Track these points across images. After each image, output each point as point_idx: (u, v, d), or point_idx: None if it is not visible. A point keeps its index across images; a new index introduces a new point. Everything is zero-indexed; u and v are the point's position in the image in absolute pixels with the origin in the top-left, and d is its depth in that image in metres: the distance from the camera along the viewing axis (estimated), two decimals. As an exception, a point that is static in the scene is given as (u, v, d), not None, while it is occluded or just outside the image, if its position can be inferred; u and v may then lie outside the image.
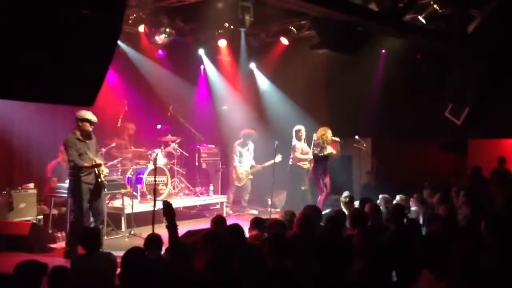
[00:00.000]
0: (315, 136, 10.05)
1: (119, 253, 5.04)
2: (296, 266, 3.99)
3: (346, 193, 7.20)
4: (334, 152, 9.86)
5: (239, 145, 11.21)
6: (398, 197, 7.06)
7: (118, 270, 4.53)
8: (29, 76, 3.49)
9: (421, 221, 6.23)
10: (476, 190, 6.97)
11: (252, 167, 11.26)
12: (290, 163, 10.53)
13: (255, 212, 10.86)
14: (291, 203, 10.56)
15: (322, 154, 9.76)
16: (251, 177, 11.28)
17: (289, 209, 6.39)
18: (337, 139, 9.89)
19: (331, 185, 9.93)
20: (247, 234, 5.16)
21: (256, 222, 5.42)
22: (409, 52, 9.49)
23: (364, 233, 4.48)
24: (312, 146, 10.13)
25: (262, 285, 3.58)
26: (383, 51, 11.71)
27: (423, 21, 7.82)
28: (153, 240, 4.64)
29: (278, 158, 10.67)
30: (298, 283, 3.65)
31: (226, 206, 11.02)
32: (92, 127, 7.36)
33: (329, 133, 9.83)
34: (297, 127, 10.66)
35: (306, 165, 10.35)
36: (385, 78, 11.82)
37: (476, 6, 7.30)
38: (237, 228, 4.77)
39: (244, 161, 11.21)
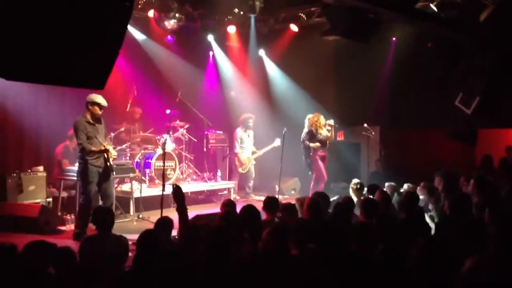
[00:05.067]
0: (306, 123, 10.11)
1: (128, 236, 5.12)
2: (301, 251, 4.01)
3: (355, 180, 7.22)
4: (329, 134, 9.90)
5: (241, 131, 11.20)
6: (405, 186, 7.05)
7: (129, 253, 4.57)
8: (39, 59, 3.50)
9: (430, 207, 6.25)
10: (485, 179, 6.93)
11: (253, 153, 11.26)
12: None
13: (262, 198, 10.87)
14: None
15: (308, 145, 9.83)
16: (253, 162, 11.28)
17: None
18: (331, 122, 9.91)
19: (328, 173, 10.01)
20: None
21: (269, 203, 5.47)
22: (420, 40, 9.43)
23: (382, 220, 4.53)
24: (303, 133, 10.22)
25: (270, 270, 3.61)
26: (394, 39, 11.64)
27: (435, 8, 7.76)
28: (164, 223, 4.67)
29: (277, 142, 10.88)
30: (303, 268, 3.67)
31: (234, 192, 11.07)
32: (102, 111, 7.41)
33: (321, 119, 9.89)
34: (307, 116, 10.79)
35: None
36: (395, 66, 11.77)
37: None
38: (251, 209, 4.79)
39: (246, 147, 11.20)
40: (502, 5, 7.00)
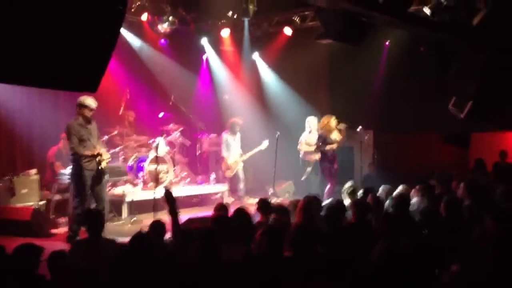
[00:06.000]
0: (309, 125, 10.05)
1: (121, 239, 5.11)
2: (295, 254, 4.01)
3: (349, 183, 7.20)
4: (340, 137, 9.79)
5: (226, 135, 11.18)
6: (400, 187, 7.07)
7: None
8: (32, 62, 3.49)
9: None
10: (477, 182, 6.96)
11: (240, 156, 11.26)
12: None
13: (255, 201, 10.83)
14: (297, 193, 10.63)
15: (324, 148, 9.67)
16: (241, 165, 11.27)
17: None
18: (343, 126, 9.79)
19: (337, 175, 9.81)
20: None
21: (263, 205, 5.48)
22: (413, 44, 9.49)
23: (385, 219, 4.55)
24: (301, 136, 10.27)
25: (263, 272, 3.61)
26: (387, 42, 11.68)
27: (428, 12, 7.78)
28: (157, 226, 4.66)
29: (265, 144, 10.92)
30: (297, 271, 3.67)
31: (228, 196, 11.05)
32: (91, 113, 7.38)
33: (332, 121, 9.72)
34: (306, 119, 10.72)
35: (310, 157, 10.38)
36: (388, 69, 11.81)
37: (481, -1, 7.27)
38: (243, 212, 4.79)
39: (232, 150, 11.14)
40: (495, 9, 7.05)
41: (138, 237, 3.84)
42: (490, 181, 8.28)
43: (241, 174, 11.20)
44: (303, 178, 10.75)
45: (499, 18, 6.99)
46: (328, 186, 9.65)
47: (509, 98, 7.62)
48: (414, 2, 6.91)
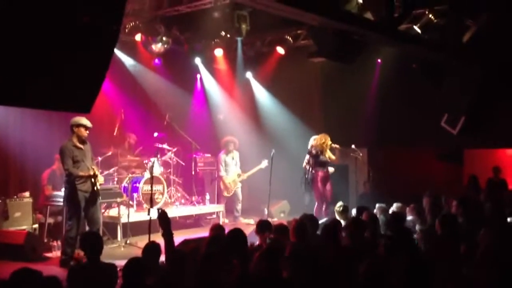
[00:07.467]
0: (312, 143, 10.02)
1: (115, 262, 5.04)
2: (290, 274, 3.98)
3: (339, 203, 7.24)
4: (333, 157, 9.79)
5: (223, 155, 11.18)
6: (394, 205, 7.07)
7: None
8: (26, 83, 3.49)
9: (416, 228, 6.26)
10: (470, 199, 6.97)
11: (239, 175, 11.23)
12: None
13: (251, 221, 10.77)
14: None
15: (315, 160, 9.60)
16: (239, 185, 11.23)
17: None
18: (337, 146, 9.81)
19: (331, 195, 9.72)
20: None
21: (262, 226, 5.45)
22: (405, 62, 9.56)
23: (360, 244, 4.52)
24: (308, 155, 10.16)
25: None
26: (379, 60, 11.76)
27: (418, 30, 7.86)
28: (152, 248, 4.61)
29: (264, 163, 10.87)
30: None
31: (222, 216, 11.00)
32: (87, 132, 7.36)
33: (329, 141, 9.69)
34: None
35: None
36: (381, 87, 11.87)
37: (470, 16, 7.36)
38: (238, 233, 4.75)
39: (230, 170, 11.14)
40: (485, 26, 7.13)
41: (133, 263, 3.78)
42: (482, 197, 8.29)
43: (239, 195, 11.16)
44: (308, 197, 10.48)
45: (489, 35, 7.07)
46: (315, 206, 9.60)
47: (501, 114, 7.68)
48: (404, 21, 6.96)
